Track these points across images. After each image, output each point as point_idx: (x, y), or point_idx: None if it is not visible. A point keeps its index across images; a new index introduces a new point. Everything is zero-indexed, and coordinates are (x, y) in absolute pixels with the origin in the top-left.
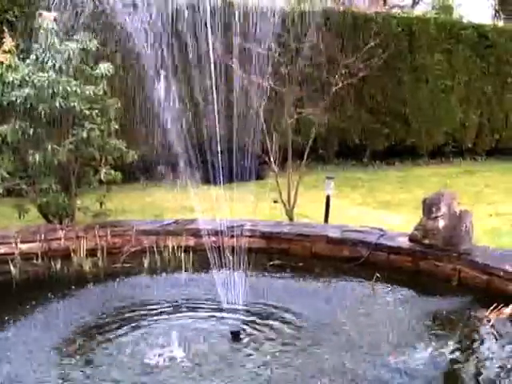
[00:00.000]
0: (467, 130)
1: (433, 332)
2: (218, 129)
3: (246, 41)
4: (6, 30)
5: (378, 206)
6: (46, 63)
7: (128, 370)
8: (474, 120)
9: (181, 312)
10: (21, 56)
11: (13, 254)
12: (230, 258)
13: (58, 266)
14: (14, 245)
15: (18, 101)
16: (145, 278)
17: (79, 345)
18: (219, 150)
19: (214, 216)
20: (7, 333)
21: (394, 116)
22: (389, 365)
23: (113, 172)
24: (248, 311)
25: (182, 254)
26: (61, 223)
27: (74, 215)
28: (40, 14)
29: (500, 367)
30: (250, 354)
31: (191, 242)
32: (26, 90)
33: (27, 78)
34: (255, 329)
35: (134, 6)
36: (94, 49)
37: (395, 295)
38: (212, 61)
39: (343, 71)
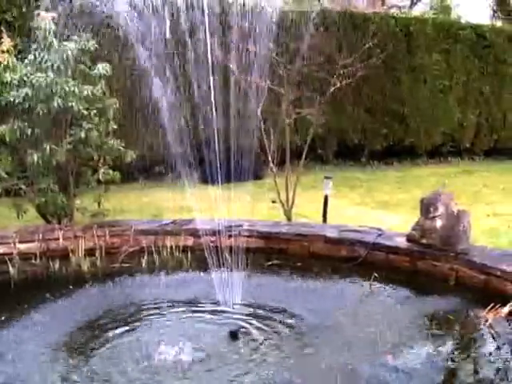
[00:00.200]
0: (465, 129)
1: (430, 331)
2: (215, 129)
3: (244, 41)
4: (5, 31)
5: (377, 205)
6: (45, 63)
7: (128, 369)
8: (472, 120)
9: (178, 312)
10: (19, 56)
11: (11, 254)
12: (229, 257)
13: (57, 265)
14: (12, 245)
15: (17, 101)
16: (143, 278)
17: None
18: (217, 149)
19: (212, 216)
20: (7, 333)
21: (393, 116)
22: (386, 364)
23: (111, 172)
24: (247, 311)
25: (181, 254)
26: (59, 223)
27: (73, 215)
28: (38, 14)
29: (497, 367)
30: (248, 354)
31: (189, 241)
32: (24, 90)
33: (25, 78)
34: (253, 328)
35: (132, 6)
36: (92, 49)
37: (393, 295)
38: (210, 61)
39: (341, 71)
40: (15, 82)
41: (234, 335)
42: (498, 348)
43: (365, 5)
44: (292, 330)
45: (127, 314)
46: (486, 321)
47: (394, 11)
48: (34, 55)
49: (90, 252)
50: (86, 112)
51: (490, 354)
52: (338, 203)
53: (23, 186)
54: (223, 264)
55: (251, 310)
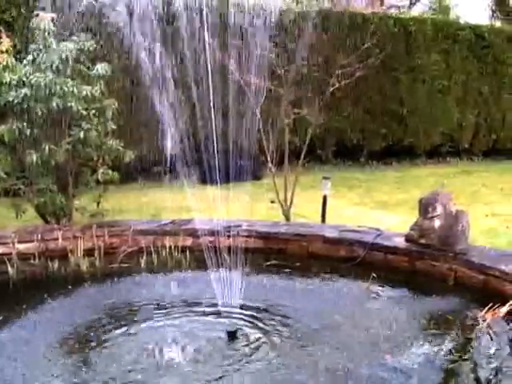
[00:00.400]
0: (464, 130)
1: (429, 331)
2: (214, 129)
3: (243, 41)
4: (3, 31)
5: (375, 206)
6: (44, 63)
7: (127, 369)
8: (471, 120)
9: (177, 311)
10: (18, 56)
11: (10, 254)
12: (227, 257)
13: (56, 266)
14: (11, 245)
15: (16, 101)
16: (142, 278)
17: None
18: (216, 150)
19: (211, 216)
20: (7, 333)
21: (392, 116)
22: (385, 364)
23: (110, 172)
24: (245, 311)
25: (179, 254)
26: (58, 223)
27: (72, 215)
28: (37, 15)
29: (496, 367)
30: (246, 354)
31: (188, 241)
32: (23, 91)
33: (24, 79)
34: (252, 328)
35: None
36: (91, 49)
37: (391, 295)
38: (209, 60)
39: (340, 71)
40: (14, 82)
41: (232, 335)
42: (497, 348)
43: (364, 5)
44: (289, 329)
45: (126, 313)
46: (485, 321)
47: (392, 11)
48: (33, 55)
49: (88, 252)
50: (84, 112)
51: (489, 353)
52: (337, 203)
53: (22, 186)
54: (222, 264)
55: (251, 310)
